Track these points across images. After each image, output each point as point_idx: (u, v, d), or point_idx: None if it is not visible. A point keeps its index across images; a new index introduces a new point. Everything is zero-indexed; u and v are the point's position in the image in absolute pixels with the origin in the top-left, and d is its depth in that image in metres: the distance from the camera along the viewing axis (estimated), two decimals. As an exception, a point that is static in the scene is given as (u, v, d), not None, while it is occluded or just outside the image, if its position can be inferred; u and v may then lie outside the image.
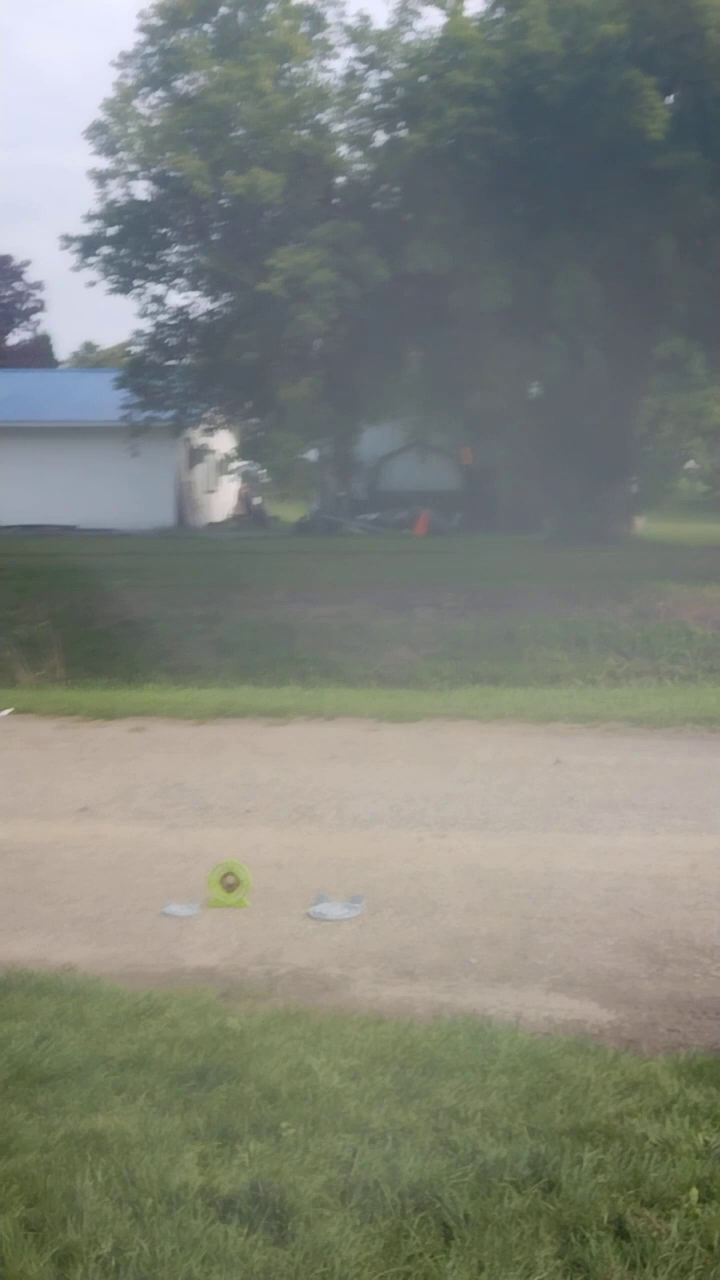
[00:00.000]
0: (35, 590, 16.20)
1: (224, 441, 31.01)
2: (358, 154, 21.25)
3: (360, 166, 21.32)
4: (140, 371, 23.50)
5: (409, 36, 20.01)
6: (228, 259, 20.84)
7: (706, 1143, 3.58)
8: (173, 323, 23.45)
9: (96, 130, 21.59)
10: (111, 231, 21.94)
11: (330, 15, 21.35)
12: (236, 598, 15.59)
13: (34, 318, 49.53)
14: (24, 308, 48.98)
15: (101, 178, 21.90)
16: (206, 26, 22.08)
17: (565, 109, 17.31)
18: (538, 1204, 3.28)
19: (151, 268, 22.79)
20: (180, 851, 6.89)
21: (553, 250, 18.08)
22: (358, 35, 20.05)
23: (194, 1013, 4.56)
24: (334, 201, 21.02)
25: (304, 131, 20.52)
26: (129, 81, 21.88)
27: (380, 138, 20.50)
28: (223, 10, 22.04)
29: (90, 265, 22.20)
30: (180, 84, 21.98)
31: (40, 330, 50.23)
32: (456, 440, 29.84)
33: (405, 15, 20.05)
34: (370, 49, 19.92)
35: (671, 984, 5.00)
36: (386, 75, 19.90)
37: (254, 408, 24.59)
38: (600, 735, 10.12)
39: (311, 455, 31.40)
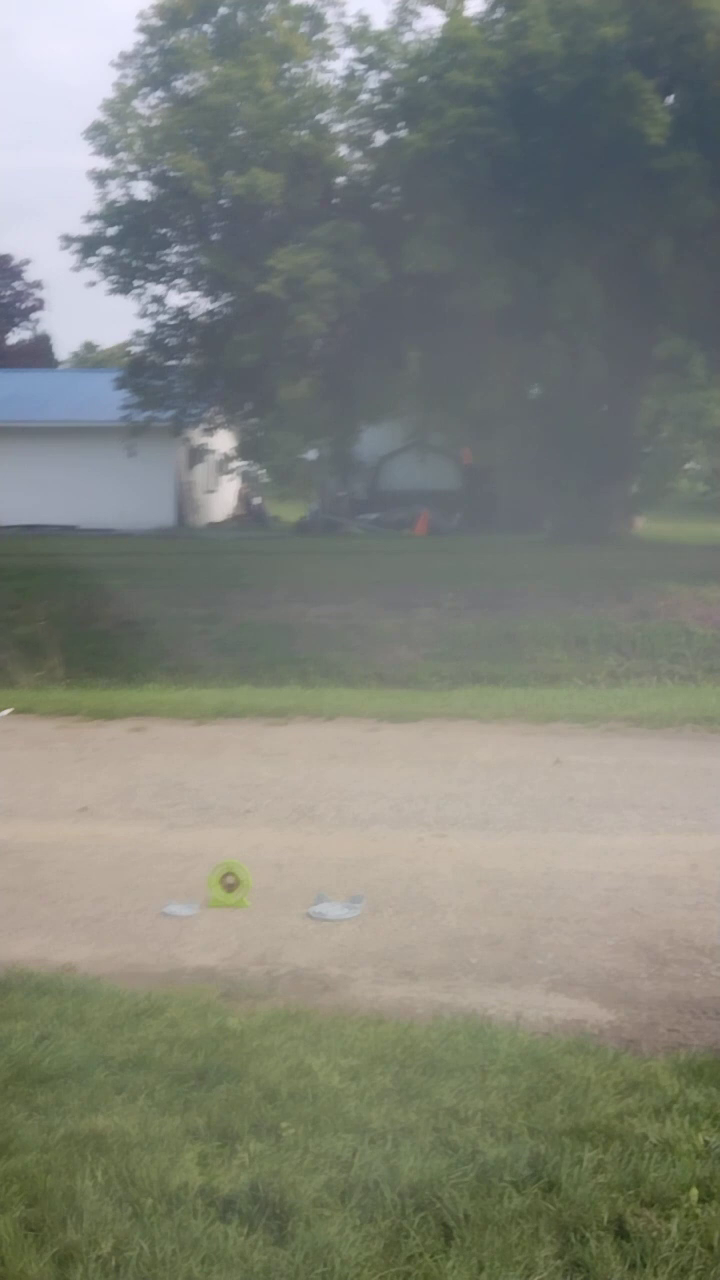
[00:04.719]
0: (35, 590, 16.19)
1: (224, 441, 30.99)
2: (357, 154, 21.25)
3: (360, 167, 21.31)
4: (140, 371, 23.48)
5: (408, 37, 20.03)
6: (228, 259, 20.83)
7: (706, 1143, 3.58)
8: (173, 323, 23.43)
9: (96, 131, 21.58)
10: (111, 232, 21.91)
11: (330, 15, 21.41)
12: (236, 598, 15.59)
13: (34, 317, 49.52)
14: (24, 307, 48.94)
15: (101, 178, 21.89)
16: (206, 27, 22.08)
17: (565, 109, 17.30)
18: (538, 1204, 3.27)
19: (151, 268, 22.76)
20: (180, 851, 6.89)
21: (552, 251, 18.08)
22: (357, 36, 20.04)
23: (194, 1013, 4.56)
24: (334, 202, 21.01)
25: (304, 132, 20.50)
26: (129, 82, 21.89)
27: (380, 138, 20.51)
28: (222, 10, 22.04)
29: (90, 265, 22.17)
30: (180, 84, 21.98)
31: (40, 330, 50.21)
32: (456, 440, 29.84)
33: (405, 15, 20.06)
34: (370, 49, 19.91)
35: (671, 984, 5.00)
36: (386, 75, 19.90)
37: (254, 408, 24.57)
38: (600, 735, 10.12)
39: (311, 455, 31.44)
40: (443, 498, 29.77)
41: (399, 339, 21.13)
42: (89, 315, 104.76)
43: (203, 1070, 4.04)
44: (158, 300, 23.16)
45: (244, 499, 35.81)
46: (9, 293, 48.39)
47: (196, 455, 30.59)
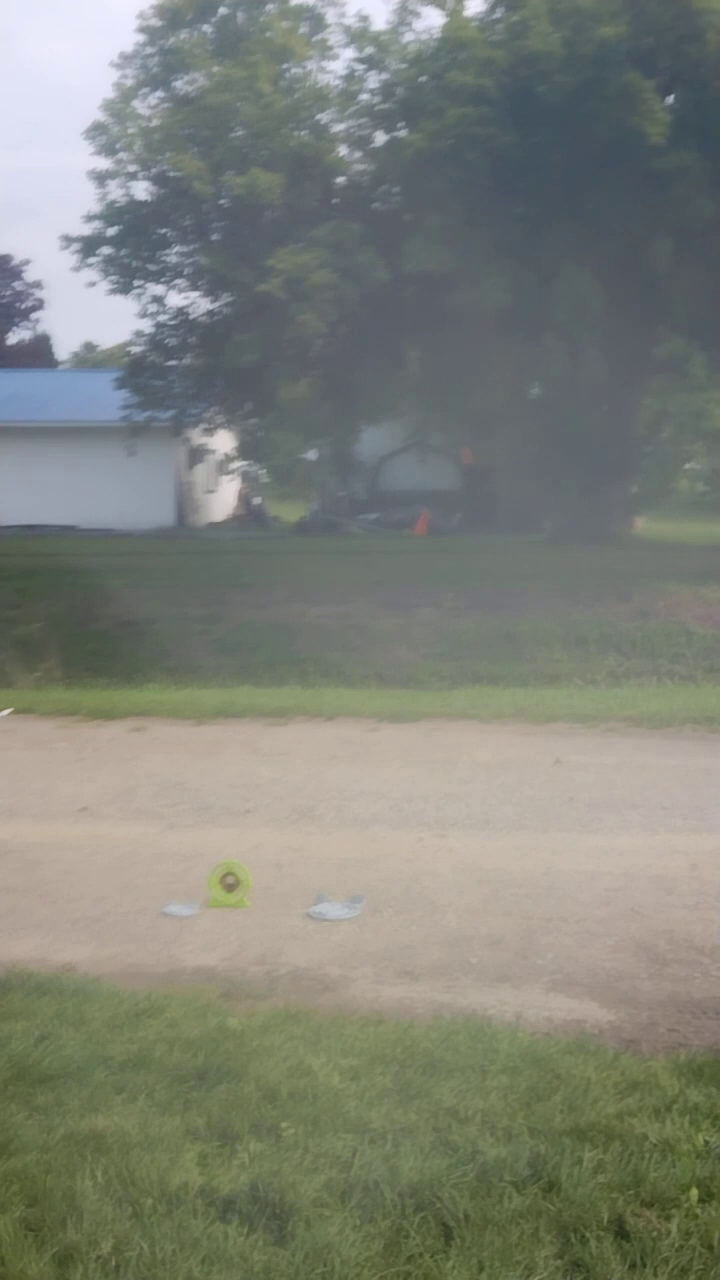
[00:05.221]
0: (35, 590, 16.19)
1: (224, 441, 30.99)
2: (357, 154, 21.25)
3: (360, 167, 21.31)
4: (140, 371, 23.48)
5: (408, 37, 20.04)
6: (228, 259, 20.83)
7: (706, 1143, 3.58)
8: (173, 323, 23.43)
9: (96, 131, 21.58)
10: (111, 232, 21.92)
11: (330, 16, 21.42)
12: (236, 598, 15.58)
13: (34, 317, 49.52)
14: (24, 307, 48.93)
15: (101, 178, 21.89)
16: (206, 27, 22.08)
17: (565, 109, 17.30)
18: (538, 1204, 3.27)
19: (151, 268, 22.77)
20: (180, 851, 6.89)
21: (552, 251, 18.08)
22: (357, 36, 20.04)
23: (194, 1013, 4.56)
24: (334, 202, 21.01)
25: (304, 132, 20.51)
26: (129, 82, 21.90)
27: (380, 138, 20.51)
28: (222, 11, 22.04)
29: (90, 265, 22.18)
30: (180, 84, 21.98)
31: (40, 330, 50.22)
32: (456, 440, 29.84)
33: (405, 15, 20.06)
34: (369, 49, 19.91)
35: (671, 984, 5.00)
36: (386, 76, 19.90)
37: (254, 408, 24.57)
38: (600, 735, 10.12)
39: (311, 455, 31.44)
40: (443, 498, 29.76)
41: (399, 339, 21.12)
42: (89, 315, 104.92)
43: (203, 1070, 4.04)
44: (158, 300, 23.19)
45: (244, 499, 35.80)
46: (9, 293, 48.38)
47: (196, 455, 30.59)
